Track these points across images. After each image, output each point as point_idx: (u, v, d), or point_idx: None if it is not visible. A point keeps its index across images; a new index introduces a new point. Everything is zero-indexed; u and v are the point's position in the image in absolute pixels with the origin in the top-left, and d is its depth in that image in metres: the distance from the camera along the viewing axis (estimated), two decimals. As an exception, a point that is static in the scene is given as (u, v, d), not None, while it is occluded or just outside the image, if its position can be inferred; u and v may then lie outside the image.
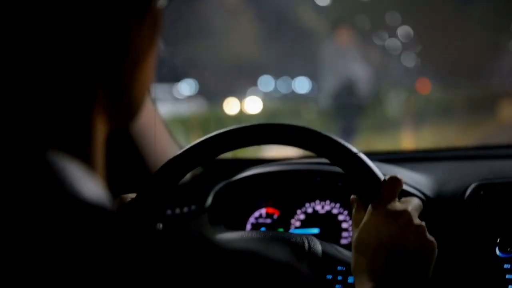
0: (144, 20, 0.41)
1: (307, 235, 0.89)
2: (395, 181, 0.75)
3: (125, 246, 0.33)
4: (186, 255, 0.33)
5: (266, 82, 7.43)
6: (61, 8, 0.37)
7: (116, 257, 0.33)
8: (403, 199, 0.76)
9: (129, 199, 0.85)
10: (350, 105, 5.80)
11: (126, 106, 0.44)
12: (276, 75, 7.35)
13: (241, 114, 5.99)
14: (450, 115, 6.82)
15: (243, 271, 0.33)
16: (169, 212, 1.34)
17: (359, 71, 5.77)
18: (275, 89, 7.68)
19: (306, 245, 0.86)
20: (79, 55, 0.38)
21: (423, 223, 0.73)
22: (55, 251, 0.32)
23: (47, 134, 0.38)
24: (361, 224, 0.74)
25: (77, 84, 0.39)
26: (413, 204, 0.74)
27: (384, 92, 6.89)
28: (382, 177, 0.77)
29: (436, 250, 0.72)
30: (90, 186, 0.37)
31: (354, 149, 0.79)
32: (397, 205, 0.73)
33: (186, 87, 5.83)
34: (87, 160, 0.39)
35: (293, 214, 1.26)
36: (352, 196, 0.79)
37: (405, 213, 0.72)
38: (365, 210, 0.76)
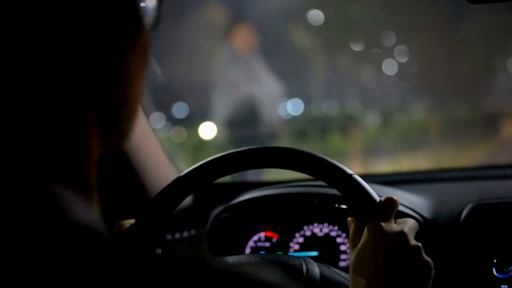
0: (136, 43, 0.43)
1: (305, 258, 0.89)
2: (390, 202, 0.76)
3: (119, 273, 0.33)
4: (180, 281, 0.34)
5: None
6: (54, 31, 0.38)
7: (111, 283, 0.33)
8: (399, 220, 0.76)
9: (128, 225, 0.85)
10: (249, 136, 3.80)
11: (118, 128, 0.44)
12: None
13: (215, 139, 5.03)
14: (424, 141, 6.29)
15: None
16: (169, 237, 1.34)
17: (267, 89, 3.78)
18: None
19: (304, 268, 0.86)
20: (73, 78, 0.39)
21: (419, 244, 0.73)
22: (47, 277, 0.32)
23: (40, 158, 0.38)
24: (358, 246, 0.75)
25: (72, 108, 0.39)
26: (409, 225, 0.75)
27: (362, 114, 6.33)
28: (377, 199, 0.77)
29: (433, 271, 0.72)
30: (84, 210, 0.37)
31: (349, 171, 0.80)
32: (393, 226, 0.74)
33: (179, 110, 5.70)
34: (80, 184, 0.40)
35: (291, 237, 1.26)
36: (348, 218, 0.80)
37: (401, 234, 0.72)
38: (362, 232, 0.76)
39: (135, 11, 0.42)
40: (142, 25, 0.43)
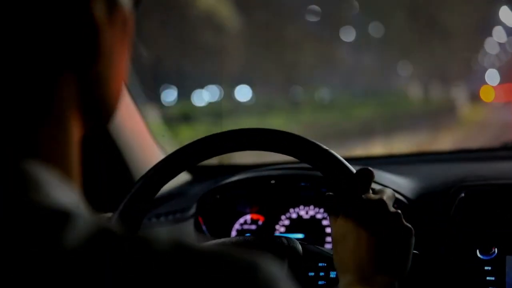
0: (115, 18, 0.42)
1: (286, 236, 0.90)
2: (367, 172, 0.78)
3: (94, 256, 0.33)
4: (157, 265, 0.33)
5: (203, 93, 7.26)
6: (27, 9, 0.37)
7: (86, 267, 0.32)
8: (376, 189, 0.79)
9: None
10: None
11: (100, 107, 0.44)
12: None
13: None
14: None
15: (208, 274, 0.34)
16: (154, 220, 1.33)
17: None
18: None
19: (286, 244, 0.87)
20: (49, 53, 0.38)
21: (399, 211, 0.75)
22: (26, 260, 0.32)
23: (18, 137, 0.37)
24: (339, 218, 0.76)
25: (50, 86, 0.39)
26: (386, 194, 0.77)
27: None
28: (353, 170, 0.79)
29: (413, 237, 0.74)
30: (64, 192, 0.37)
31: (324, 146, 0.81)
32: (371, 195, 0.76)
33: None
34: (61, 164, 0.39)
35: (277, 219, 1.26)
36: (327, 193, 0.81)
37: (379, 202, 0.75)
38: (342, 204, 0.78)
39: None
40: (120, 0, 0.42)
